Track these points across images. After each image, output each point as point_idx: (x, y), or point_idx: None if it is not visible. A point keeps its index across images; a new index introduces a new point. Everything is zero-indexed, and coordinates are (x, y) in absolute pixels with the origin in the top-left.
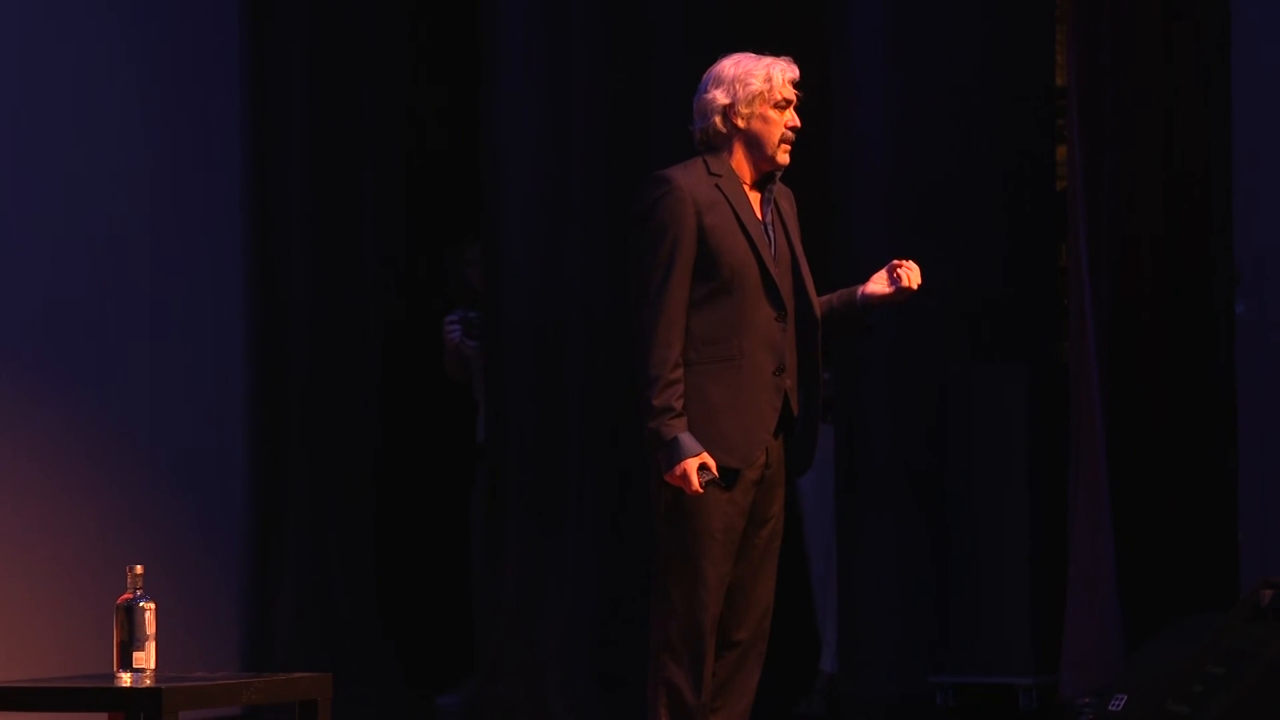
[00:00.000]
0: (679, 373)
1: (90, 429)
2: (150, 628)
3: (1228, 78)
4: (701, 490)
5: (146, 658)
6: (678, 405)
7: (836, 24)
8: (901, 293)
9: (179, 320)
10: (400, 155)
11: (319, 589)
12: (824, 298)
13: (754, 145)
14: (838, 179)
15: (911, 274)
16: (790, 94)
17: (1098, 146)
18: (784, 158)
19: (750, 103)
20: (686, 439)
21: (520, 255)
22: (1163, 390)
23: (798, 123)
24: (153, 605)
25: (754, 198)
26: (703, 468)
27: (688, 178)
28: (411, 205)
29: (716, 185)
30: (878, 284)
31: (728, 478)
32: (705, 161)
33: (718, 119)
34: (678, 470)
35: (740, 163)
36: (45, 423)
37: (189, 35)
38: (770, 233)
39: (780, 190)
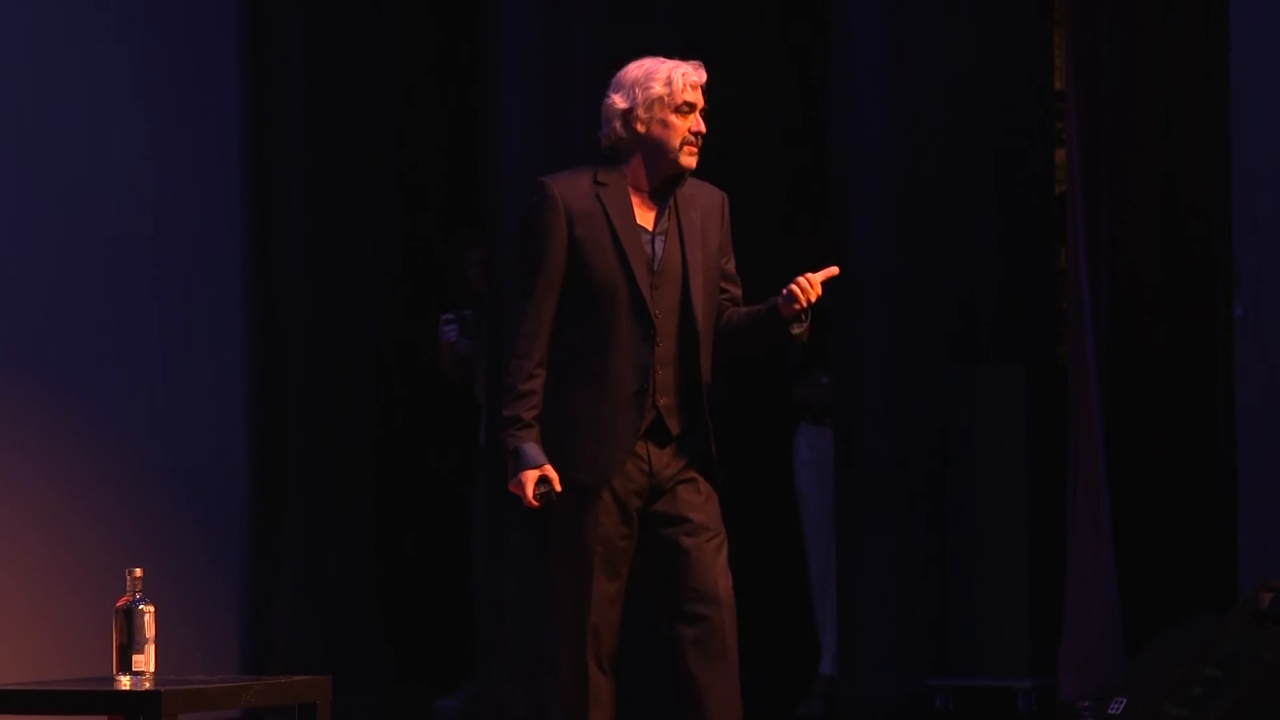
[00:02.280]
0: (533, 384)
1: (90, 433)
2: (150, 630)
3: (1226, 80)
4: (537, 504)
5: (146, 660)
6: (526, 416)
7: (835, 27)
8: (790, 307)
9: (178, 324)
10: (400, 156)
11: (318, 592)
12: (753, 307)
13: (654, 151)
14: (836, 181)
15: (806, 291)
16: (693, 98)
17: (1096, 149)
18: (688, 160)
19: (649, 107)
20: (529, 450)
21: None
22: (1161, 393)
23: (702, 128)
24: (152, 608)
25: (647, 208)
26: (542, 479)
27: (566, 186)
28: (411, 206)
29: (598, 195)
30: (784, 298)
31: (582, 494)
32: (596, 169)
33: (618, 124)
34: (516, 480)
35: (638, 170)
36: (45, 426)
37: (188, 36)
38: (655, 245)
39: (692, 198)
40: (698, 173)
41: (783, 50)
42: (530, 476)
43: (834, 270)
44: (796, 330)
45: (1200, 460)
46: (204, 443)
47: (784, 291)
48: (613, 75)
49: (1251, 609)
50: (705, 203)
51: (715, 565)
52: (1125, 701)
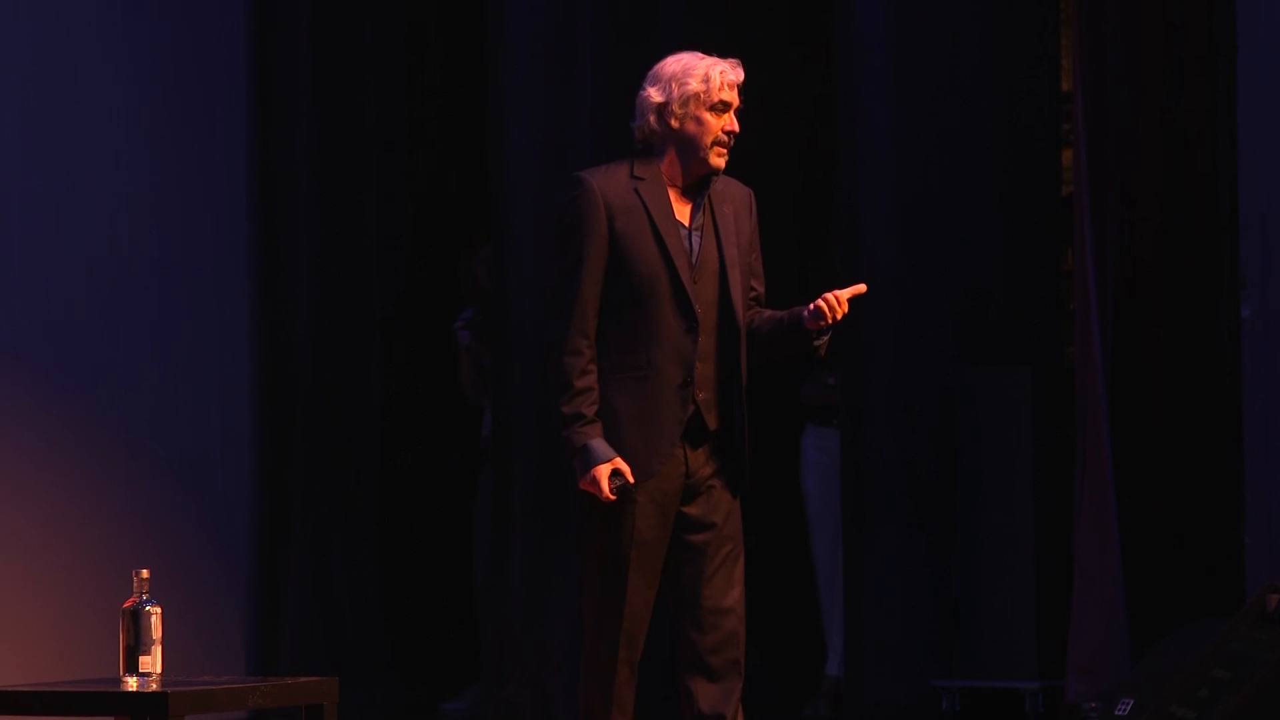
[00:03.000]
0: (588, 379)
1: (97, 434)
2: (156, 632)
3: (1233, 81)
4: (614, 496)
5: (152, 662)
6: (588, 412)
7: (841, 27)
8: (816, 323)
9: (185, 326)
10: (407, 158)
11: (324, 593)
12: (776, 312)
13: (686, 148)
14: (844, 183)
15: (834, 309)
16: (729, 97)
17: (1103, 151)
18: (717, 161)
19: (685, 103)
20: (598, 445)
21: (527, 255)
22: (1168, 394)
23: (735, 127)
24: (159, 609)
25: (683, 202)
26: (615, 473)
27: (605, 180)
28: (418, 208)
29: (636, 189)
30: (810, 314)
31: (634, 488)
32: (632, 163)
33: (652, 118)
34: (589, 477)
35: (672, 165)
36: (52, 428)
37: (195, 38)
38: (692, 240)
39: (724, 194)
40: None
41: (787, 51)
42: (604, 470)
43: (861, 288)
44: (818, 343)
45: (1207, 461)
46: (210, 444)
47: (811, 307)
48: (619, 73)
49: (1258, 610)
50: (735, 199)
51: (732, 576)
52: (1132, 703)
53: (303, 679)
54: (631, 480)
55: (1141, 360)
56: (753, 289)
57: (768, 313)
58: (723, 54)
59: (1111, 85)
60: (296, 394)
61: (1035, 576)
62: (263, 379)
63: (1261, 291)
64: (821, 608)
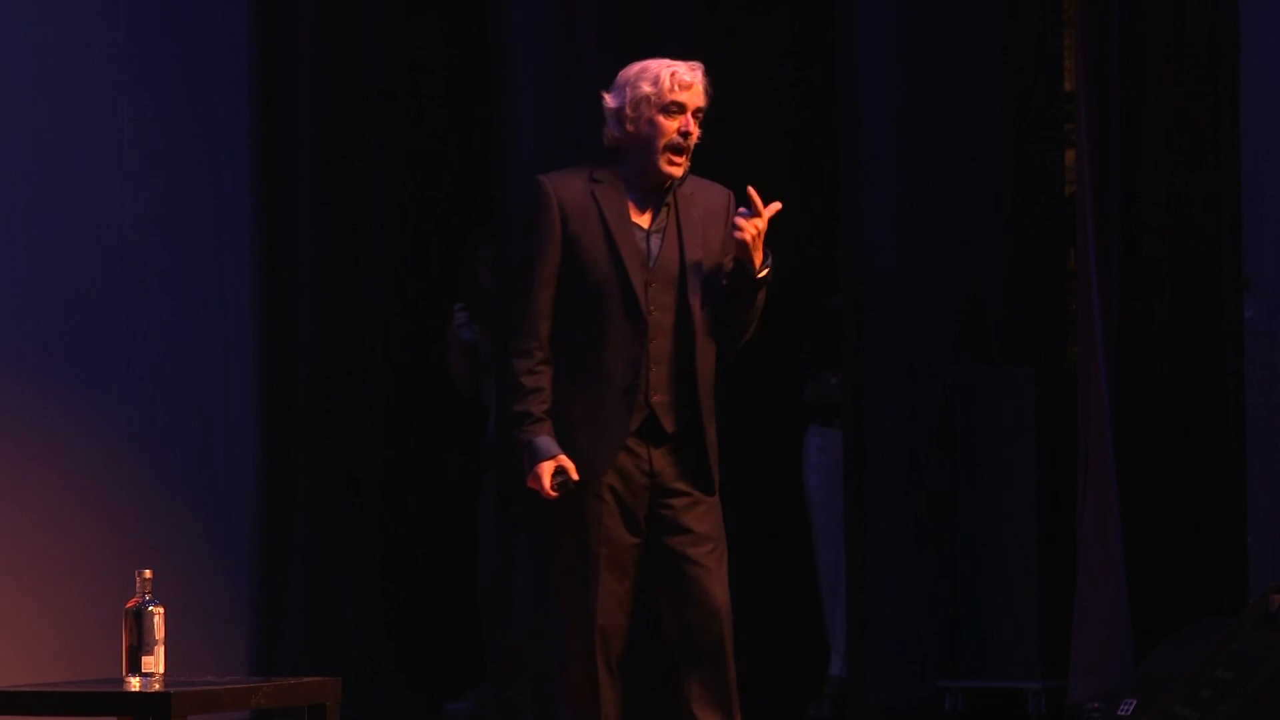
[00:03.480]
0: (537, 379)
1: (100, 435)
2: (159, 632)
3: (1236, 81)
4: (555, 493)
5: (155, 662)
6: (536, 410)
7: (845, 27)
8: (742, 245)
9: (188, 325)
10: (409, 160)
11: (327, 594)
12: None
13: (641, 151)
14: (846, 183)
15: (746, 224)
16: (683, 99)
17: (1106, 151)
18: (669, 168)
19: (637, 106)
20: (542, 443)
21: None
22: (1171, 395)
23: (691, 129)
24: (161, 610)
25: (644, 205)
26: (559, 470)
27: (562, 183)
28: (421, 209)
29: (592, 192)
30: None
31: (591, 487)
32: (594, 168)
33: (612, 124)
34: (532, 474)
35: (631, 169)
36: (55, 428)
37: (198, 41)
38: (651, 242)
39: (694, 196)
40: (705, 171)
41: (790, 51)
42: (547, 468)
43: (776, 206)
44: (760, 276)
45: (1210, 462)
46: (214, 444)
47: (734, 222)
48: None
49: (1262, 611)
50: (708, 202)
51: (715, 577)
52: (1135, 703)
53: (305, 679)
54: (575, 478)
55: (1144, 361)
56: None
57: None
58: (724, 58)
59: (1114, 85)
60: (299, 394)
61: (1038, 577)
62: (266, 380)
63: (1265, 292)
64: (824, 608)
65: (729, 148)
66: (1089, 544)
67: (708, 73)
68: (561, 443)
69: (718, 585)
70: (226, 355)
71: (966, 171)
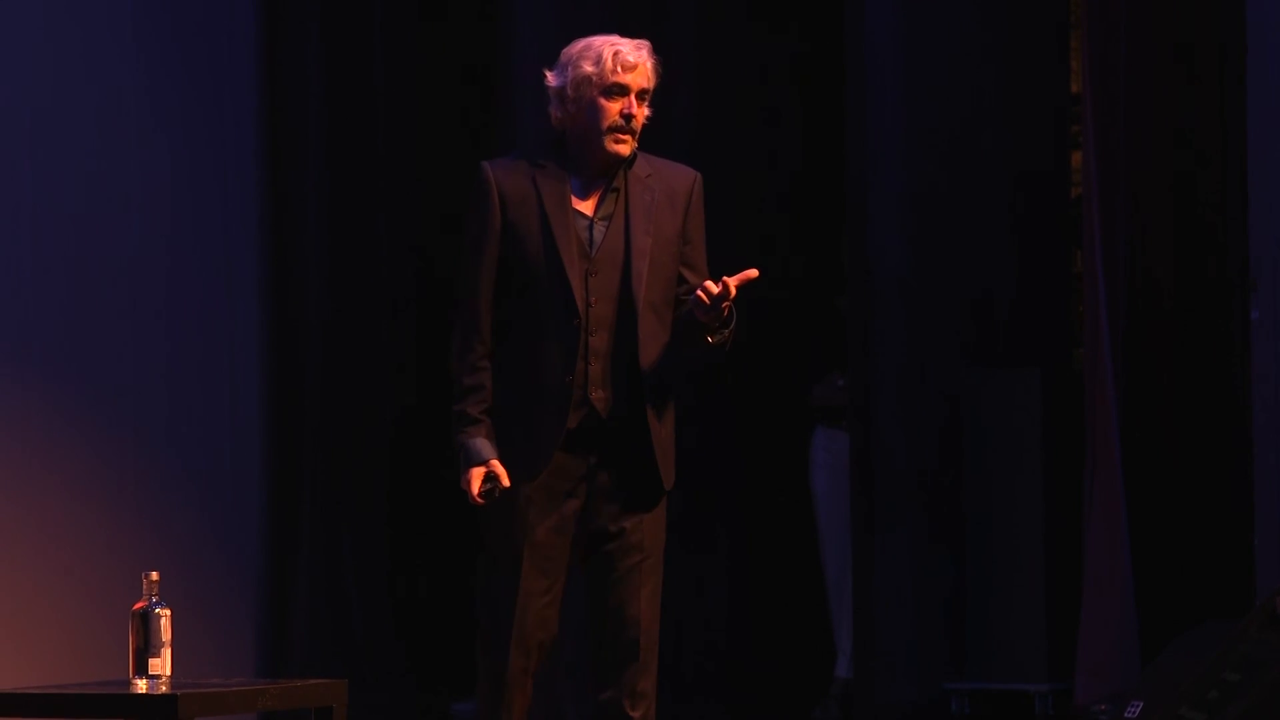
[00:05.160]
0: (477, 376)
1: (107, 438)
2: (166, 634)
3: (1242, 83)
4: (481, 500)
5: (162, 664)
6: (473, 411)
7: (852, 28)
8: (708, 310)
9: (194, 329)
10: (418, 164)
11: (334, 596)
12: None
13: (583, 133)
14: (854, 185)
15: (708, 294)
16: (625, 79)
17: (1112, 153)
18: (616, 148)
19: (578, 87)
20: (475, 445)
21: None
22: (1177, 397)
23: (635, 111)
24: (168, 612)
25: (588, 191)
26: (489, 476)
27: (504, 169)
28: (427, 213)
29: (534, 178)
30: (693, 303)
31: (519, 489)
32: (538, 150)
33: (555, 103)
34: (463, 478)
35: (575, 152)
36: (62, 432)
37: (204, 45)
38: (594, 231)
39: (649, 181)
40: (711, 171)
41: (796, 52)
42: (476, 473)
43: (752, 273)
44: (714, 339)
45: (1217, 464)
46: (221, 446)
47: (696, 294)
48: None
49: (1268, 613)
50: (667, 185)
51: (642, 590)
52: (1142, 705)
53: (312, 681)
54: (506, 483)
55: (1151, 362)
56: (687, 282)
57: (685, 312)
58: (731, 60)
59: (1121, 87)
60: (306, 397)
61: (1045, 578)
62: (273, 381)
63: (1271, 294)
64: (831, 609)
65: (732, 148)
66: (1096, 545)
67: (708, 76)
68: (500, 439)
69: (638, 598)
70: (233, 358)
71: (973, 174)
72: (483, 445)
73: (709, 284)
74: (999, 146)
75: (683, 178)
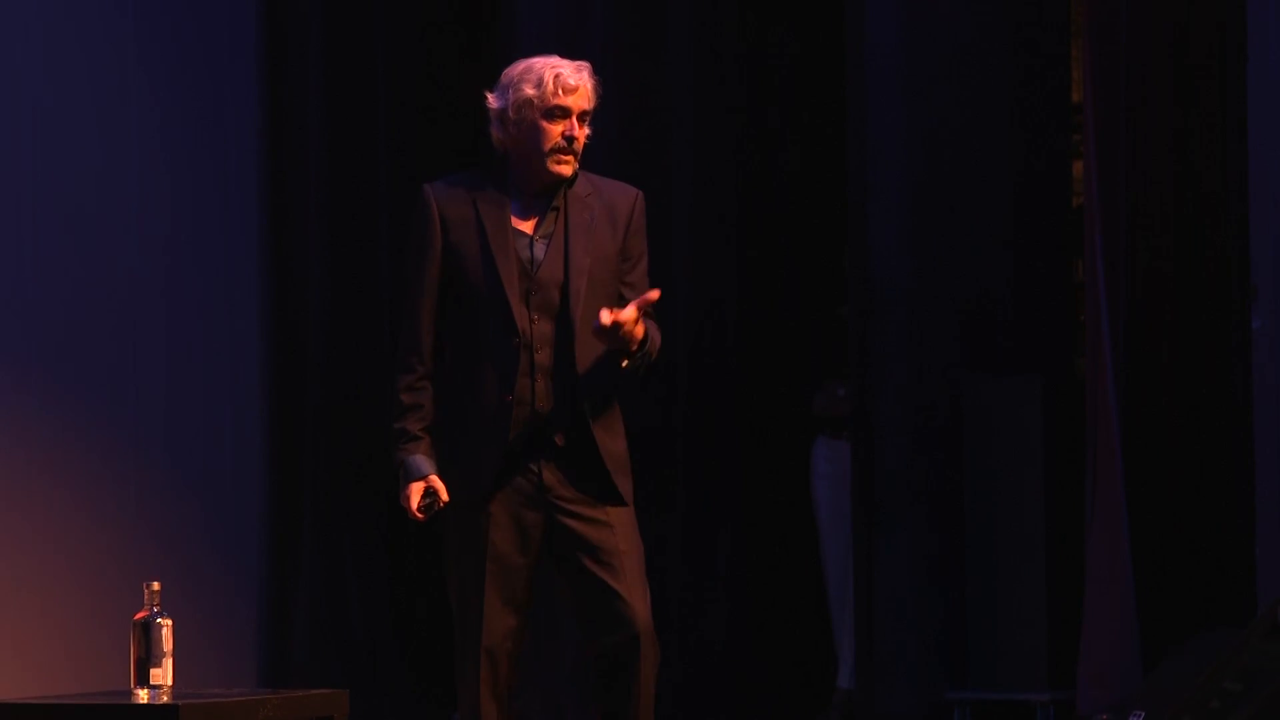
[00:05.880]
0: (417, 396)
1: (109, 447)
2: (167, 644)
3: (1244, 92)
4: (421, 516)
5: (164, 674)
6: (413, 428)
7: (852, 37)
8: (612, 338)
9: (196, 337)
10: (418, 169)
11: (335, 606)
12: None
13: (525, 155)
14: (854, 193)
15: (605, 326)
16: (567, 103)
17: (1114, 162)
18: (559, 169)
19: (519, 109)
20: (414, 462)
21: None
22: (1179, 405)
23: (575, 133)
24: (170, 622)
25: (529, 210)
26: (428, 492)
27: (444, 191)
28: None
29: (474, 199)
30: (596, 333)
31: (471, 511)
32: (481, 171)
33: (495, 125)
34: (402, 495)
35: (516, 172)
36: (63, 438)
37: (205, 39)
38: (534, 249)
39: (588, 199)
40: (693, 175)
41: (797, 62)
42: (415, 489)
43: (653, 295)
44: (624, 364)
45: (1218, 473)
46: (221, 455)
47: (595, 326)
48: (629, 73)
49: (1270, 622)
50: (607, 203)
51: (624, 593)
52: (1143, 715)
53: (313, 691)
54: (445, 499)
55: (1152, 370)
56: (624, 298)
57: None
58: (731, 66)
59: (1122, 96)
60: (307, 406)
61: (1046, 587)
62: (274, 392)
63: (1272, 302)
64: (832, 619)
65: (731, 156)
66: (1097, 554)
67: (706, 83)
68: (444, 458)
69: (626, 602)
70: (234, 367)
71: (974, 182)
72: (422, 461)
73: (603, 313)
74: (1000, 155)
75: (624, 196)
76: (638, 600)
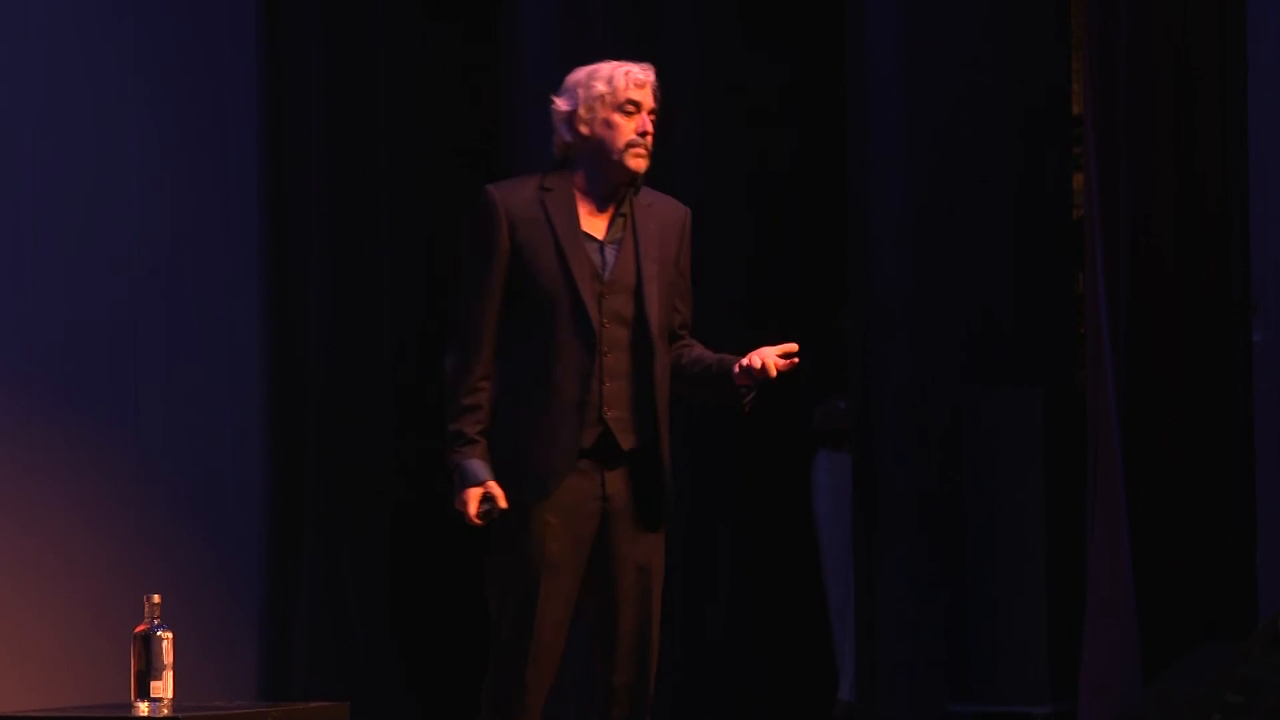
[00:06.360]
0: (476, 397)
1: (107, 458)
2: (168, 657)
3: (1244, 104)
4: (480, 521)
5: (164, 687)
6: (470, 431)
7: (853, 49)
8: (755, 379)
9: (196, 348)
10: (419, 176)
11: (336, 618)
12: (706, 354)
13: (599, 153)
14: (855, 206)
15: (762, 373)
16: (638, 97)
17: (1114, 175)
18: (635, 163)
19: (591, 107)
20: (472, 466)
21: None
22: (1179, 417)
23: (648, 128)
24: (170, 634)
25: (597, 215)
26: (486, 497)
27: (510, 192)
28: (430, 230)
29: (542, 201)
30: (740, 371)
31: (529, 517)
32: (543, 175)
33: (564, 129)
34: (459, 499)
35: (587, 175)
36: (63, 453)
37: (205, 39)
38: (606, 253)
39: (651, 208)
40: (693, 185)
41: (797, 72)
42: (473, 494)
43: (793, 347)
44: (745, 400)
45: (1219, 484)
46: (222, 468)
47: (742, 363)
48: None
49: (1271, 634)
50: (665, 215)
51: (647, 609)
52: None
53: (314, 704)
54: (503, 505)
55: (1153, 383)
56: (677, 311)
57: (697, 351)
58: (732, 77)
59: (1122, 109)
60: (308, 417)
61: (1047, 599)
62: (274, 402)
63: (1273, 315)
64: (833, 632)
65: (732, 167)
66: (1098, 566)
67: (707, 94)
68: (507, 462)
69: (650, 622)
70: (234, 377)
71: (975, 194)
72: (479, 466)
73: (754, 356)
74: (1001, 167)
75: (676, 210)
76: (650, 617)
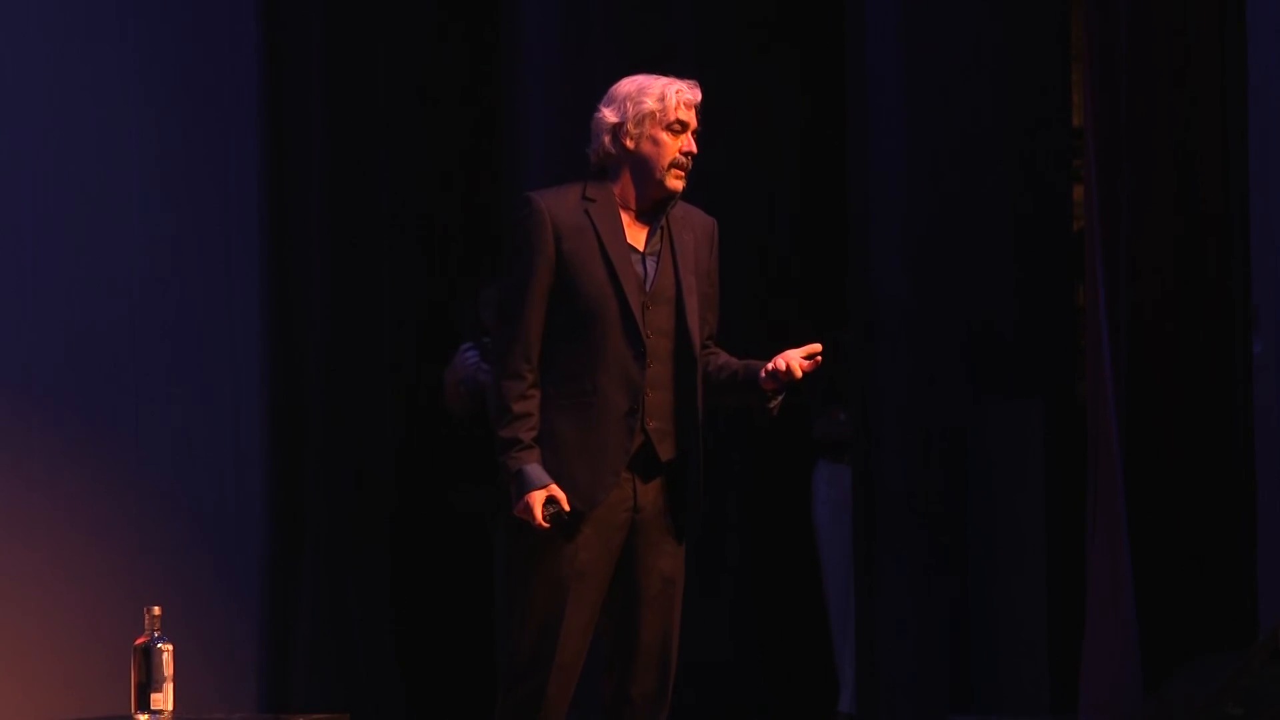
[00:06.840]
0: (527, 404)
1: (108, 470)
2: (168, 669)
3: (1245, 117)
4: (547, 525)
5: (164, 699)
6: (525, 437)
7: (853, 61)
8: (774, 383)
9: (196, 361)
10: (418, 184)
11: (337, 630)
12: (732, 361)
13: (642, 169)
14: (855, 217)
15: (788, 375)
16: (686, 117)
17: (1114, 186)
18: (674, 184)
19: (640, 122)
20: (533, 471)
21: None
22: (1180, 429)
23: (693, 149)
24: (170, 647)
25: (638, 226)
26: (550, 500)
27: (555, 200)
28: (432, 241)
29: (586, 210)
30: (766, 375)
31: (576, 518)
32: (585, 184)
33: (607, 139)
34: (522, 504)
35: (627, 187)
36: (64, 466)
37: (205, 41)
38: (647, 265)
39: (685, 220)
40: (693, 195)
41: (798, 81)
42: (538, 497)
43: (817, 347)
44: (771, 404)
45: (1219, 495)
46: (223, 481)
47: (769, 367)
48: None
49: (1272, 646)
50: (697, 227)
51: (670, 621)
52: None
53: (314, 715)
54: (567, 508)
55: (1153, 394)
56: (706, 321)
57: (723, 358)
58: (733, 87)
59: (1123, 121)
60: (309, 428)
61: (1047, 610)
62: (275, 414)
63: (1273, 326)
64: (833, 643)
65: (737, 175)
66: (1098, 577)
67: (708, 106)
68: (552, 470)
69: (654, 628)
70: (236, 388)
71: (976, 207)
72: (538, 470)
73: (780, 359)
74: (1001, 180)
75: (707, 222)
76: (671, 628)
